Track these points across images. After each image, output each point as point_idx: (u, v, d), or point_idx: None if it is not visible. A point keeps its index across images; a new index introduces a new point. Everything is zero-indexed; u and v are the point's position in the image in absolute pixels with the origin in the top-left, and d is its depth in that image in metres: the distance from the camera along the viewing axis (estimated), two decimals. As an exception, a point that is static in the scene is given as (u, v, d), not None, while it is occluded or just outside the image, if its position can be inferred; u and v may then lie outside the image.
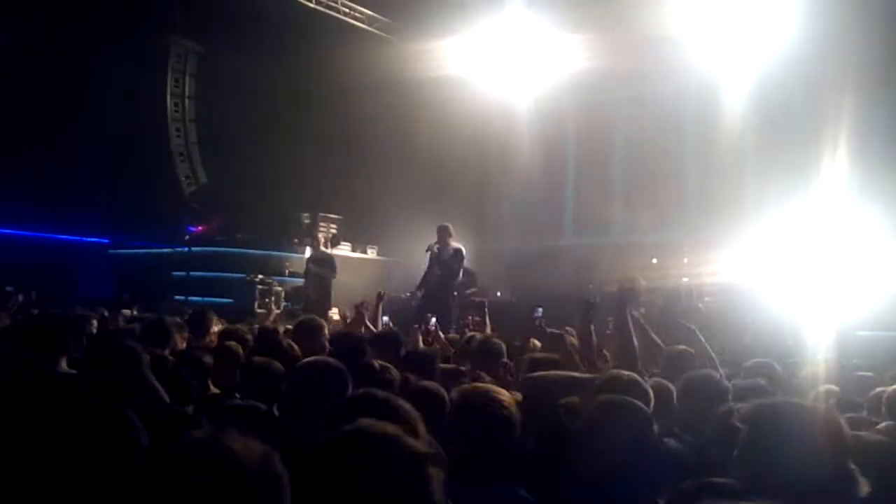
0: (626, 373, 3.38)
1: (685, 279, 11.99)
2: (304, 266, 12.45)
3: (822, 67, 13.06)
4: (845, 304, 8.98)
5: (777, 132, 14.05)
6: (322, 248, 12.65)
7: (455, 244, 11.18)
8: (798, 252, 10.60)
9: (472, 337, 6.20)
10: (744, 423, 2.22)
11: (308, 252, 13.91)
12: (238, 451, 1.42)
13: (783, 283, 10.04)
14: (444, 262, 10.97)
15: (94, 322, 6.38)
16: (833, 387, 4.87)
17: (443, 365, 5.00)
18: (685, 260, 12.48)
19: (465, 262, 13.49)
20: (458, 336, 7.22)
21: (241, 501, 1.39)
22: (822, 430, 2.08)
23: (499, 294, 14.04)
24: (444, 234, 11.05)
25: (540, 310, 11.70)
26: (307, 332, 5.25)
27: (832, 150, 11.69)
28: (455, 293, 11.20)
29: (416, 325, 6.88)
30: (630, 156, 16.12)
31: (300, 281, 14.02)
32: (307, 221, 15.21)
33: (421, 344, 6.41)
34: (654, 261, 12.70)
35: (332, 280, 11.97)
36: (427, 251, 11.02)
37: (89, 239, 15.40)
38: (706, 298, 11.61)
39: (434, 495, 1.55)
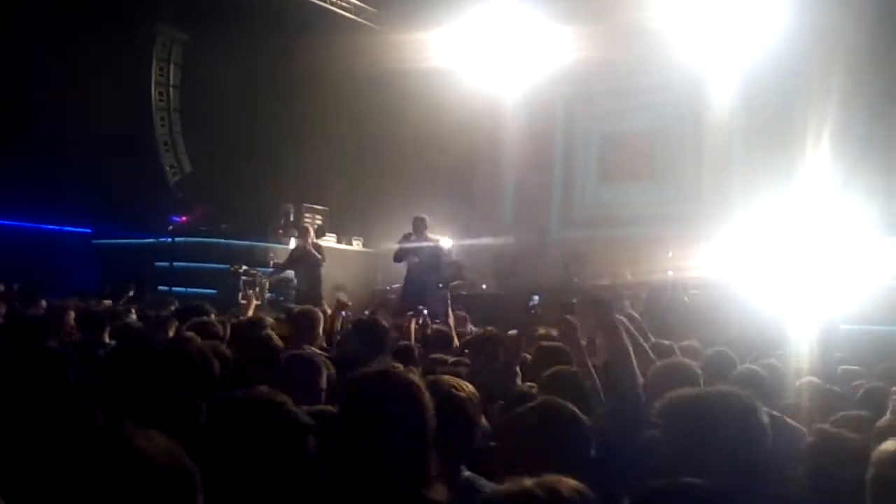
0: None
1: (670, 273, 12.00)
2: (291, 256, 12.39)
3: (807, 61, 13.10)
4: (829, 298, 9.01)
5: (763, 125, 14.09)
6: (315, 241, 12.54)
7: (432, 236, 11.17)
8: (783, 246, 10.63)
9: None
10: (660, 417, 2.21)
11: (293, 243, 13.86)
12: (142, 447, 1.32)
13: (768, 276, 10.07)
14: (422, 254, 10.96)
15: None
16: (814, 379, 4.86)
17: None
18: (670, 254, 12.49)
19: (451, 255, 13.53)
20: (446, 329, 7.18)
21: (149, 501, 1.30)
22: (739, 418, 2.08)
23: (484, 287, 14.03)
24: (420, 225, 11.04)
25: (536, 297, 11.71)
26: (304, 323, 5.20)
27: (816, 144, 11.73)
28: (440, 285, 11.16)
29: (410, 315, 6.78)
30: (616, 149, 16.11)
31: (285, 273, 13.98)
32: (292, 212, 15.13)
33: (413, 336, 6.38)
34: (629, 276, 12.65)
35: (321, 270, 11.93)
36: (401, 241, 11.02)
37: (72, 229, 15.26)
38: (692, 292, 11.63)
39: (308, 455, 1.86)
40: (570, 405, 2.69)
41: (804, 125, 12.42)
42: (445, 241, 13.18)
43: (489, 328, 5.82)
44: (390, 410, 1.95)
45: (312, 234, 12.64)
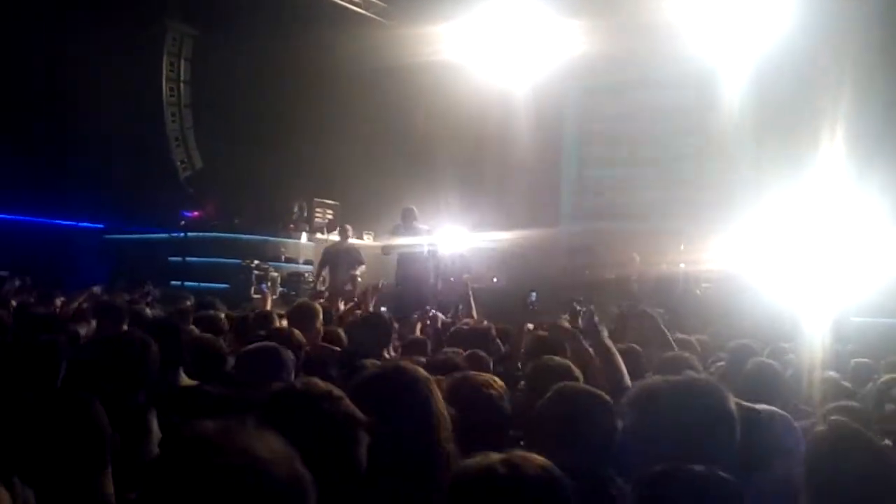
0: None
1: (682, 265, 12.01)
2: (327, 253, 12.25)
3: (820, 52, 13.04)
4: (841, 290, 9.00)
5: (774, 117, 14.04)
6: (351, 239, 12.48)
7: (421, 226, 11.25)
8: (795, 238, 10.61)
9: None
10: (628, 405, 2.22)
11: (304, 238, 13.94)
12: (264, 457, 1.18)
13: (780, 269, 10.06)
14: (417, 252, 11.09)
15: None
16: (833, 373, 4.88)
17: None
18: (682, 246, 12.49)
19: (461, 248, 13.60)
20: (451, 322, 7.23)
21: None
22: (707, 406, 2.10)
23: (495, 280, 14.05)
24: (409, 216, 11.12)
25: (534, 294, 11.75)
26: (300, 317, 5.23)
27: (829, 135, 11.69)
28: (451, 278, 11.24)
29: (416, 315, 6.90)
30: (627, 142, 16.09)
31: (296, 267, 14.05)
32: (304, 207, 15.19)
33: (418, 332, 6.44)
34: (637, 259, 12.68)
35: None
36: (391, 232, 11.11)
37: (84, 224, 15.35)
38: (704, 284, 11.64)
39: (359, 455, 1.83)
40: (590, 388, 2.75)
41: (816, 117, 12.37)
42: (440, 232, 13.33)
43: (485, 322, 5.99)
44: (398, 407, 2.01)
45: (351, 231, 12.58)
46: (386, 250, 11.75)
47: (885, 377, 4.22)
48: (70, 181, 13.78)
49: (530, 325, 6.23)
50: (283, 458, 1.21)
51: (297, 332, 4.34)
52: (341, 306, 7.08)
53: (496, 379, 2.97)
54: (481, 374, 3.09)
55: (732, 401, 2.18)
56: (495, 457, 1.64)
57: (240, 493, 1.12)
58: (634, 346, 4.63)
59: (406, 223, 11.09)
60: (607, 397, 2.64)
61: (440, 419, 2.08)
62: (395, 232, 11.16)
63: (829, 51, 12.83)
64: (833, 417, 3.54)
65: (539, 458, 1.68)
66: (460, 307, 8.37)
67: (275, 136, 14.78)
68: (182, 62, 15.84)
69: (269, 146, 14.67)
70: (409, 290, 10.69)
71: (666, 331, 4.92)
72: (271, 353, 3.56)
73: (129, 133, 14.78)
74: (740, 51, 13.60)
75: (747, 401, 3.47)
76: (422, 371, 2.19)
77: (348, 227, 12.63)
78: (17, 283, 10.32)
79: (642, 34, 13.43)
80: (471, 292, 7.91)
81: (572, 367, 3.39)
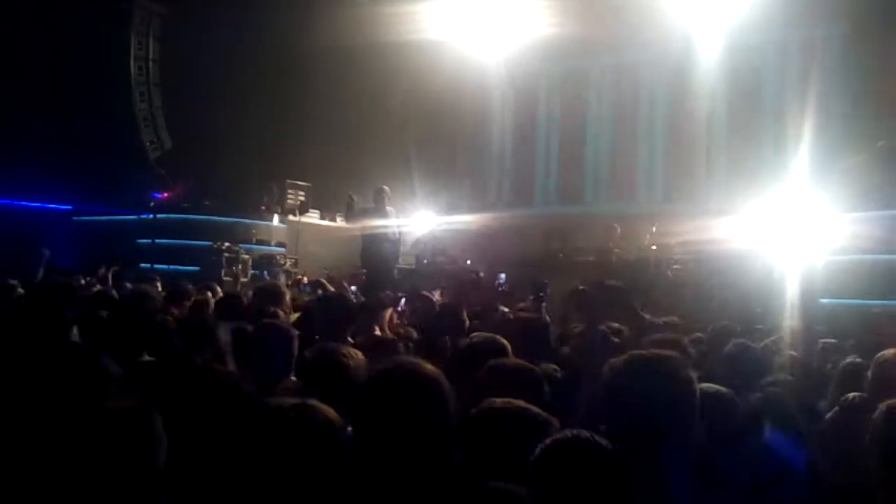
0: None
1: (653, 247, 12.07)
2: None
3: (793, 37, 13.11)
4: (809, 272, 9.09)
5: (747, 102, 14.15)
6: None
7: (390, 209, 11.14)
8: (765, 220, 10.69)
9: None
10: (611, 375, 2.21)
11: (276, 219, 13.81)
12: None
13: (750, 251, 10.14)
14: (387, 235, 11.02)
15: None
16: (794, 353, 4.92)
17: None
18: (654, 228, 12.55)
19: (434, 230, 13.60)
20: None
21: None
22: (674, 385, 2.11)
23: (468, 262, 14.04)
24: (380, 197, 11.03)
25: (503, 276, 11.80)
26: (269, 299, 5.19)
27: (800, 118, 11.78)
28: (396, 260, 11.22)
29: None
30: (602, 123, 16.11)
31: (268, 249, 13.94)
32: (275, 188, 15.05)
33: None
34: (618, 229, 12.75)
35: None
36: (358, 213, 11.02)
37: (52, 206, 15.12)
38: (675, 266, 11.71)
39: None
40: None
41: (787, 103, 12.49)
42: (413, 214, 13.31)
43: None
44: (412, 407, 1.94)
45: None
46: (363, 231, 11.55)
47: (847, 360, 4.27)
48: (37, 162, 13.55)
49: (504, 308, 6.25)
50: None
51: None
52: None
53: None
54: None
55: (695, 378, 2.19)
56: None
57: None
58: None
59: (378, 205, 11.01)
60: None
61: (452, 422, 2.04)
62: (366, 214, 11.07)
63: (802, 35, 12.91)
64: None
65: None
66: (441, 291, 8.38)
67: (246, 117, 14.61)
68: (150, 40, 15.55)
69: (241, 126, 14.51)
70: (373, 272, 10.66)
71: (634, 305, 4.96)
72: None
73: (98, 113, 14.54)
74: (716, 28, 13.61)
75: (727, 381, 3.56)
76: (434, 369, 2.10)
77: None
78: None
79: (618, 13, 13.42)
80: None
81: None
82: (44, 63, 13.56)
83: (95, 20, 14.05)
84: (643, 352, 2.34)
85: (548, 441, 1.94)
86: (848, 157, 10.70)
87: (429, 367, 2.05)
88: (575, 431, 1.97)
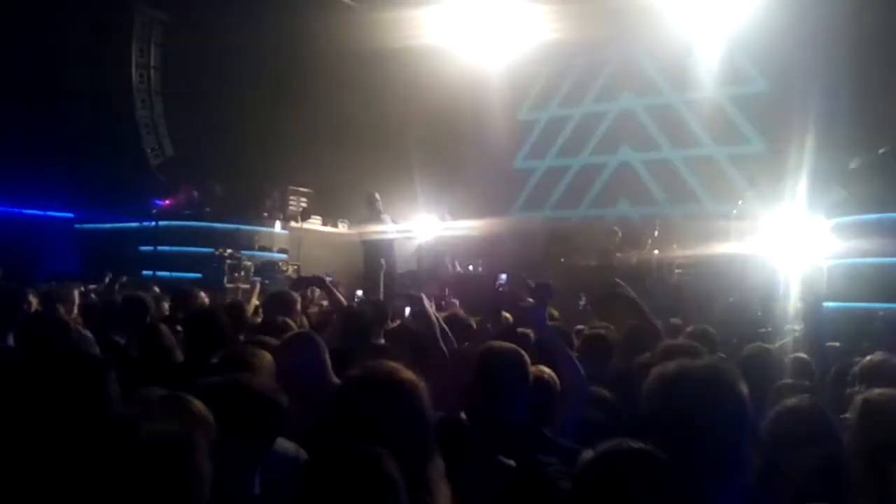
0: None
1: (656, 251, 12.06)
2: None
3: (791, 36, 13.10)
4: (812, 276, 9.07)
5: (748, 104, 14.14)
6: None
7: (383, 214, 11.46)
8: (767, 224, 10.68)
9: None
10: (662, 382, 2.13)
11: (278, 226, 13.83)
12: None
13: (753, 254, 10.13)
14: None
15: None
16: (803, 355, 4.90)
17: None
18: (655, 232, 12.55)
19: (438, 236, 13.63)
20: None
21: None
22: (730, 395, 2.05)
23: (470, 268, 14.05)
24: (372, 202, 11.39)
25: (503, 276, 11.81)
26: (280, 309, 5.19)
27: (801, 121, 11.77)
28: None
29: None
30: (600, 127, 16.11)
31: (270, 255, 13.95)
32: (277, 195, 15.07)
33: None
34: (619, 233, 12.76)
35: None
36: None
37: (54, 213, 15.13)
38: (677, 271, 11.70)
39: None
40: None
41: (790, 106, 12.47)
42: (415, 220, 13.41)
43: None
44: (388, 414, 2.02)
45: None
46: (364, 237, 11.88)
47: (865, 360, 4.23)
48: (39, 170, 13.56)
49: (507, 315, 6.20)
50: None
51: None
52: None
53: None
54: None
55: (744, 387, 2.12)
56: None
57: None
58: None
59: (370, 209, 11.30)
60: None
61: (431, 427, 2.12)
62: (365, 219, 11.33)
63: (801, 35, 12.89)
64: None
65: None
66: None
67: (247, 123, 14.62)
68: (152, 47, 15.59)
69: (242, 133, 14.52)
70: (371, 277, 10.92)
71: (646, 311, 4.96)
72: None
73: (99, 120, 14.56)
74: (718, 29, 13.62)
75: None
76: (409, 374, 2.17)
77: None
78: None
79: (615, 17, 13.41)
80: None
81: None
82: (45, 71, 13.58)
83: (97, 28, 14.06)
84: (696, 362, 2.24)
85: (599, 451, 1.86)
86: (851, 161, 10.69)
87: (406, 372, 2.10)
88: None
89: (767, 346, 4.48)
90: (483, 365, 3.01)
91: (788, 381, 3.95)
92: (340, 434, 1.96)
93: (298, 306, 5.51)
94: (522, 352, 3.11)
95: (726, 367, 2.17)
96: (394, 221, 12.10)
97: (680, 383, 2.06)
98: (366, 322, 4.78)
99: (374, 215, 11.34)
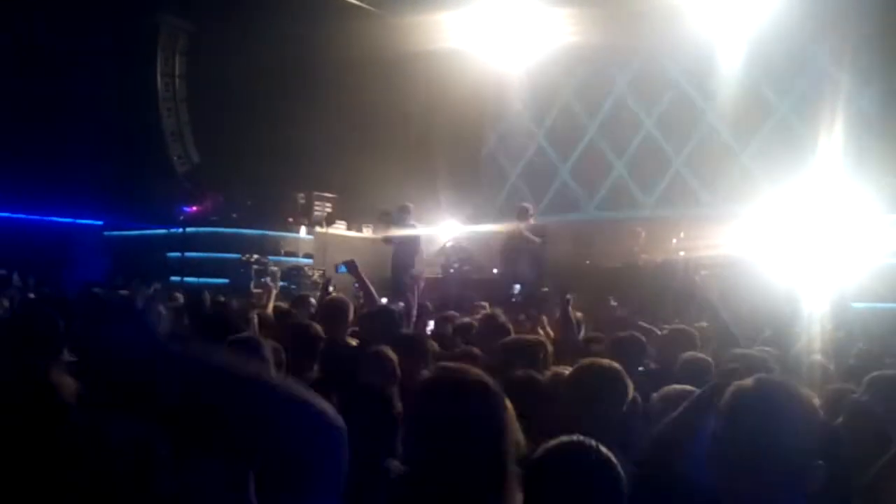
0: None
1: (681, 253, 12.00)
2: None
3: (819, 38, 13.00)
4: (840, 276, 9.00)
5: (773, 104, 14.04)
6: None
7: (412, 223, 11.87)
8: (794, 224, 10.60)
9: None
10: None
11: (303, 231, 13.95)
12: None
13: (779, 255, 10.06)
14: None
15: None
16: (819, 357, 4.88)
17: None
18: (681, 234, 12.49)
19: (460, 240, 13.66)
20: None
21: None
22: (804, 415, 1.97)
23: (495, 271, 14.04)
24: (405, 213, 11.64)
25: (517, 287, 11.80)
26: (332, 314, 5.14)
27: (829, 122, 11.67)
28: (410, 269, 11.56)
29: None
30: (623, 131, 16.04)
31: (296, 261, 14.06)
32: (302, 200, 15.17)
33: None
34: (643, 234, 12.72)
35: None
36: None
37: (83, 221, 15.35)
38: (702, 272, 11.63)
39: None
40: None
41: (815, 104, 12.37)
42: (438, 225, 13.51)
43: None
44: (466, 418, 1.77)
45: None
46: (387, 240, 12.09)
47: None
48: (68, 179, 13.77)
49: (523, 316, 6.23)
50: None
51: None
52: None
53: None
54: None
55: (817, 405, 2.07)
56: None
57: None
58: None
59: (401, 216, 11.48)
60: None
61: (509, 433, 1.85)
62: (389, 221, 11.55)
63: (829, 37, 12.80)
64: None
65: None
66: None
67: (272, 129, 14.73)
68: (177, 56, 15.77)
69: (267, 139, 14.64)
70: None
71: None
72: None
73: (126, 129, 14.77)
74: (737, 36, 13.54)
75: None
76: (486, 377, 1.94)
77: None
78: (17, 280, 10.37)
79: (638, 20, 13.37)
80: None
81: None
82: (72, 82, 13.78)
83: (123, 38, 14.26)
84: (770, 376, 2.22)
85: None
86: (878, 161, 10.59)
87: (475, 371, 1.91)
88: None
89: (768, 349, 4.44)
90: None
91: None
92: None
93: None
94: None
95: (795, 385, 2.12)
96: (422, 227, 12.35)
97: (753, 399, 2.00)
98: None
99: (401, 223, 11.57)
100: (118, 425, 1.41)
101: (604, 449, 1.90)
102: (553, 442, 1.89)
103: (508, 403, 1.79)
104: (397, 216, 11.87)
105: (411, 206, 12.06)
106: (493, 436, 1.72)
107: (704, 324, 6.18)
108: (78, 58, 13.75)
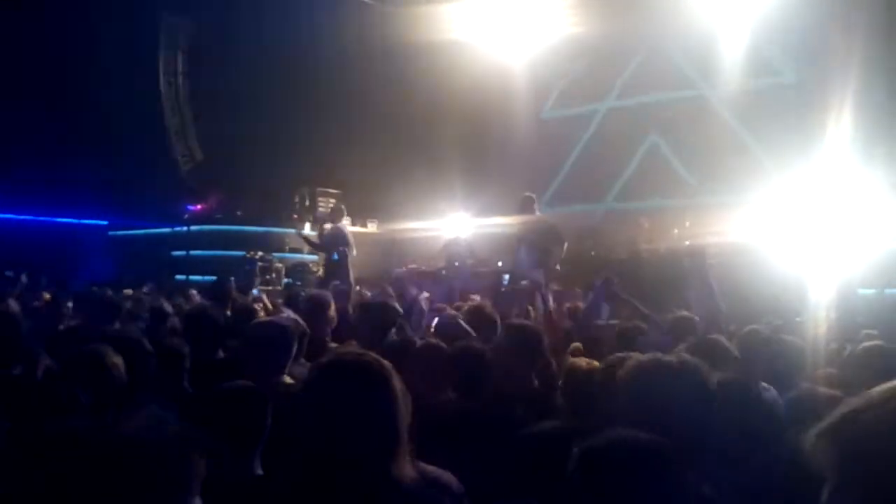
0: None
1: (687, 242, 11.93)
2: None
3: (826, 24, 12.88)
4: (847, 263, 8.92)
5: (780, 92, 13.93)
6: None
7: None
8: (801, 211, 10.52)
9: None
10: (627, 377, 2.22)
11: (307, 228, 13.90)
12: None
13: (786, 242, 9.98)
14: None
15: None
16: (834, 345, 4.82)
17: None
18: (687, 223, 12.41)
19: (466, 233, 13.60)
20: None
21: None
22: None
23: (500, 264, 13.99)
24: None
25: (507, 277, 11.77)
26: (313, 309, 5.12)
27: (837, 107, 11.56)
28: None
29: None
30: (628, 121, 15.96)
31: (300, 257, 14.04)
32: (306, 196, 15.14)
33: None
34: (646, 225, 12.65)
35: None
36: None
37: (88, 221, 15.38)
38: (709, 261, 11.54)
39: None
40: None
41: (823, 91, 12.26)
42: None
43: None
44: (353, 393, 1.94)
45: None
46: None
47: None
48: (72, 179, 13.79)
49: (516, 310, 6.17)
50: None
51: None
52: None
53: None
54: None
55: (713, 380, 2.20)
56: None
57: None
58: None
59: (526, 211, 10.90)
60: None
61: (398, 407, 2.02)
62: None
63: (836, 21, 12.68)
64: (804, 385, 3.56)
65: None
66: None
67: (275, 126, 14.72)
68: (179, 55, 15.77)
69: (270, 136, 14.63)
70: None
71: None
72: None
73: (130, 128, 14.76)
74: (743, 22, 13.43)
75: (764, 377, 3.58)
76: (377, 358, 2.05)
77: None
78: (25, 280, 10.37)
79: (643, 8, 13.30)
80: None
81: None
82: (75, 82, 13.79)
83: (124, 37, 14.25)
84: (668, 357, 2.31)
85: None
86: (886, 146, 10.49)
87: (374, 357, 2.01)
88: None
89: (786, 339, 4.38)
90: None
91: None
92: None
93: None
94: None
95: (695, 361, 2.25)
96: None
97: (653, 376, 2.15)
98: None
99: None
100: None
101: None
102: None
103: (397, 382, 1.95)
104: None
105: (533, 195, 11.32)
106: (384, 407, 1.90)
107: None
108: (80, 58, 13.75)
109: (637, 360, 2.24)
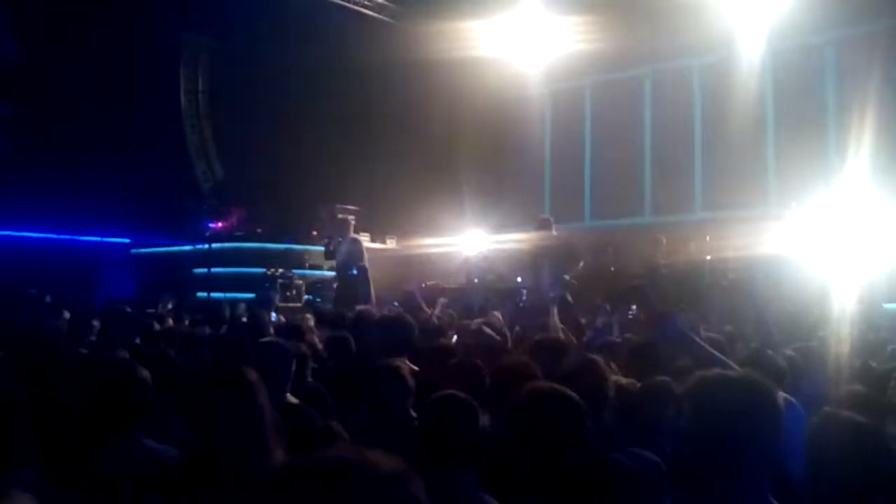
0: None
1: (708, 256, 11.87)
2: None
3: (844, 40, 12.84)
4: (871, 277, 8.83)
5: (800, 102, 13.87)
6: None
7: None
8: (823, 225, 10.45)
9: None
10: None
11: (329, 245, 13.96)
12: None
13: (809, 256, 9.91)
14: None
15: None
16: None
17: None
18: (707, 237, 12.35)
19: (485, 249, 13.59)
20: None
21: None
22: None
23: (519, 280, 13.97)
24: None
25: (524, 292, 11.74)
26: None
27: (858, 120, 11.49)
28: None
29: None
30: (649, 133, 15.93)
31: (320, 274, 14.07)
32: (325, 213, 15.19)
33: None
34: (664, 241, 12.57)
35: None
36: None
37: (110, 239, 15.51)
38: (730, 275, 11.48)
39: None
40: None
41: (844, 103, 12.20)
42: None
43: None
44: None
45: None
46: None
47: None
48: (94, 197, 13.91)
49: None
50: None
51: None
52: None
53: None
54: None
55: (781, 397, 2.17)
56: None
57: None
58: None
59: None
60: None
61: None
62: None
63: (854, 37, 12.63)
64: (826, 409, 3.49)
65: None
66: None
67: (295, 143, 14.81)
68: (199, 73, 15.93)
69: (290, 153, 14.72)
70: None
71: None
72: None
73: (150, 146, 14.91)
74: (760, 37, 13.40)
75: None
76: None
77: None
78: (49, 299, 10.51)
79: (658, 20, 13.31)
80: None
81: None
82: (96, 100, 13.95)
83: (145, 56, 14.41)
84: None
85: None
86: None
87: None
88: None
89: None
90: None
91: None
92: None
93: None
94: None
95: (761, 379, 2.20)
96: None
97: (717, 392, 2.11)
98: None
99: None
100: None
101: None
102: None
103: None
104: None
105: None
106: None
107: (729, 328, 6.09)
108: (101, 77, 13.92)
109: (701, 375, 2.19)
